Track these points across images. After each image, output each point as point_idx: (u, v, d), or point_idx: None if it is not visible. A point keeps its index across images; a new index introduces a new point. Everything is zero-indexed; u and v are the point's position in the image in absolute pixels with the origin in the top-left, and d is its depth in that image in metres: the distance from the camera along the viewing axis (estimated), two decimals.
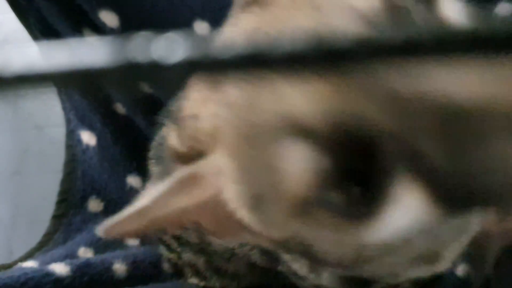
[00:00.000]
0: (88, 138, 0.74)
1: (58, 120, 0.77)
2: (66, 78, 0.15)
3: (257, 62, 0.15)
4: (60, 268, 0.54)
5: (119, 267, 0.60)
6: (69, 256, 0.62)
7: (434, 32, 0.14)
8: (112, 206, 0.73)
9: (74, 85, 0.20)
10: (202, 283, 0.59)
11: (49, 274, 0.53)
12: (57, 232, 0.68)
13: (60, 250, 0.63)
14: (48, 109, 0.86)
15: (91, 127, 0.73)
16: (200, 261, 0.56)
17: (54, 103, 0.76)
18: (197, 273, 0.59)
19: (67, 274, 0.54)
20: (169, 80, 0.15)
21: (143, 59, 0.14)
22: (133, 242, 0.70)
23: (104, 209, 0.72)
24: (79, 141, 0.74)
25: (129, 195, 0.71)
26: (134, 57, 0.14)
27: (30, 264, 0.57)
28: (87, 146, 0.74)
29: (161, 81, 0.15)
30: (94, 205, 0.73)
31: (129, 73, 0.14)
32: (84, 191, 0.73)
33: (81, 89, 0.69)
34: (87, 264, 0.57)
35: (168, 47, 0.14)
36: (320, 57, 0.15)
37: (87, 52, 0.14)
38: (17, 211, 0.88)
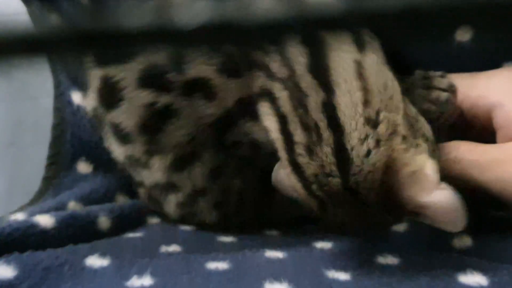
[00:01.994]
0: (79, 98, 0.75)
1: (53, 91, 0.77)
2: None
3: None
4: (45, 220, 0.55)
5: (104, 220, 0.61)
6: (58, 209, 0.63)
7: None
8: (102, 167, 0.74)
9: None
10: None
11: (34, 226, 0.54)
12: (48, 191, 0.70)
13: (50, 203, 0.64)
14: (42, 80, 0.86)
15: (82, 87, 0.74)
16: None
17: (48, 73, 0.77)
18: None
19: (52, 226, 0.56)
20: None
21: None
22: (123, 198, 0.71)
23: (93, 170, 0.74)
24: (70, 102, 0.74)
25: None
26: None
27: (18, 216, 0.58)
28: (78, 107, 0.74)
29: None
30: (84, 167, 0.74)
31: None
32: (74, 154, 0.74)
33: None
34: (72, 216, 0.58)
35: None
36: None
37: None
38: (13, 183, 0.89)
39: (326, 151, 0.44)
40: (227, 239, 0.61)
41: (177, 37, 0.16)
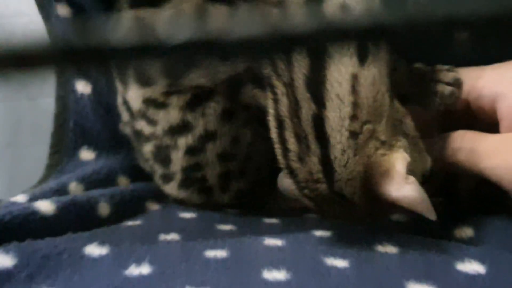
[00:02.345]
0: (83, 87, 0.75)
1: (51, 91, 0.77)
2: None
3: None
4: (45, 206, 0.56)
5: (104, 206, 0.62)
6: (60, 190, 0.63)
7: None
8: (104, 154, 0.74)
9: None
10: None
11: (34, 213, 0.54)
12: (50, 177, 0.70)
13: (51, 185, 0.64)
14: (40, 80, 0.86)
15: (86, 76, 0.75)
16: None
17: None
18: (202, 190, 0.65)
19: (52, 212, 0.56)
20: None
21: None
22: (124, 180, 0.72)
23: (96, 157, 0.74)
24: (73, 91, 0.75)
25: (120, 143, 0.73)
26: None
27: (20, 198, 0.59)
28: (82, 95, 0.75)
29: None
30: (86, 154, 0.74)
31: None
32: (76, 142, 0.74)
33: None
34: (73, 202, 0.58)
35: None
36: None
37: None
38: (11, 183, 0.90)
39: (314, 160, 0.49)
40: (226, 227, 0.61)
41: (161, 51, 0.17)
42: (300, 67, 0.49)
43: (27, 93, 0.92)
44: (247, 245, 0.51)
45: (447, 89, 0.56)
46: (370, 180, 0.47)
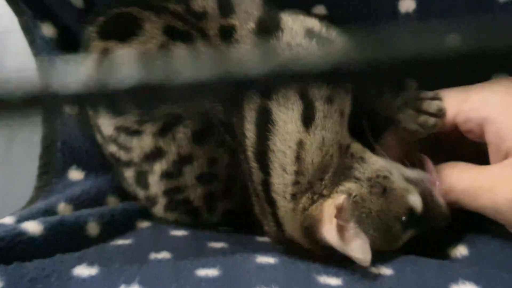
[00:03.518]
0: (70, 107, 0.74)
1: None
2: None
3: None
4: (33, 227, 0.55)
5: (93, 226, 0.61)
6: (49, 211, 0.62)
7: None
8: (93, 174, 0.73)
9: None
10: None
11: (22, 234, 0.53)
12: (39, 198, 0.69)
13: (39, 205, 0.63)
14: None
15: None
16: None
17: None
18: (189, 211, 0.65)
19: (40, 233, 0.55)
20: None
21: None
22: (114, 200, 0.71)
23: (85, 177, 0.73)
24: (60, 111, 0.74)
25: (109, 161, 0.72)
26: None
27: (8, 220, 0.57)
28: (69, 116, 0.74)
29: None
30: (75, 174, 0.73)
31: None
32: (65, 163, 0.73)
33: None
34: (61, 222, 0.57)
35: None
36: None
37: None
38: (5, 202, 0.88)
39: (268, 217, 0.55)
40: (218, 244, 0.60)
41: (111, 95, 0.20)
42: (250, 138, 0.53)
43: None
44: (239, 263, 0.50)
45: (431, 120, 0.57)
46: (311, 229, 0.51)
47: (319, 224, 0.49)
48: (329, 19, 0.59)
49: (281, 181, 0.52)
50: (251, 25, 0.54)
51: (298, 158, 0.51)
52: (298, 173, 0.51)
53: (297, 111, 0.52)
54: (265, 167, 0.53)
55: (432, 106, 0.57)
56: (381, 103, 0.61)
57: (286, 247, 0.55)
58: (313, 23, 0.56)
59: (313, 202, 0.51)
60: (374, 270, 0.49)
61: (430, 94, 0.59)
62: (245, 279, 0.47)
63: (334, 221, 0.48)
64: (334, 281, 0.47)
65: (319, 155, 0.51)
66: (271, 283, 0.45)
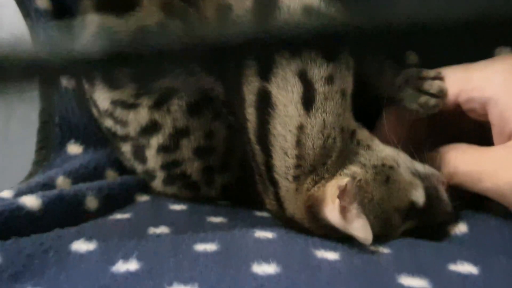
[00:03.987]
0: (67, 81, 0.73)
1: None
2: None
3: None
4: (31, 201, 0.54)
5: (92, 200, 0.61)
6: (47, 185, 0.62)
7: None
8: (92, 148, 0.73)
9: None
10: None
11: (20, 208, 0.53)
12: (37, 173, 0.69)
13: (38, 179, 0.63)
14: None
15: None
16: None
17: None
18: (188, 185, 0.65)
19: (38, 208, 0.55)
20: None
21: None
22: (112, 174, 0.71)
23: (83, 151, 0.73)
24: (57, 85, 0.73)
25: (106, 135, 0.72)
26: None
27: (6, 194, 0.57)
28: (66, 90, 0.73)
29: None
30: (74, 148, 0.73)
31: None
32: (63, 137, 0.73)
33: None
34: (59, 197, 0.57)
35: None
36: None
37: None
38: (3, 177, 0.87)
39: (270, 196, 0.55)
40: (217, 219, 0.60)
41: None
42: (251, 121, 0.54)
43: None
44: (238, 238, 0.50)
45: (432, 101, 0.57)
46: (314, 209, 0.51)
47: (322, 204, 0.49)
48: None
49: (283, 164, 0.52)
50: (248, 4, 0.53)
51: (299, 142, 0.51)
52: (299, 157, 0.51)
53: (297, 93, 0.51)
54: (266, 150, 0.53)
55: (434, 86, 0.57)
56: (382, 81, 0.61)
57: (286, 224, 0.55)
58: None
59: (316, 183, 0.51)
60: (372, 248, 0.49)
61: (431, 73, 0.58)
62: (243, 254, 0.47)
63: (337, 201, 0.48)
64: (331, 255, 0.47)
65: (320, 139, 0.51)
66: (269, 257, 0.45)
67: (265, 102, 0.52)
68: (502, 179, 0.50)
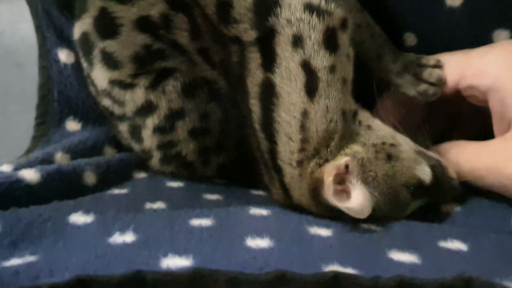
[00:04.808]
0: (65, 56, 0.73)
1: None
2: None
3: None
4: (30, 175, 0.55)
5: (90, 175, 0.61)
6: (46, 160, 0.62)
7: None
8: (90, 124, 0.73)
9: None
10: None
11: (19, 181, 0.54)
12: (36, 148, 0.69)
13: (37, 154, 0.63)
14: (28, 47, 0.84)
15: (69, 45, 0.73)
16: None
17: (34, 40, 0.76)
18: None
19: (37, 181, 0.55)
20: None
21: None
22: (111, 150, 0.71)
23: (82, 127, 0.73)
24: (56, 60, 0.73)
25: (103, 113, 0.72)
26: None
27: (5, 168, 0.58)
28: (65, 65, 0.73)
29: None
30: (72, 125, 0.73)
31: None
32: (61, 113, 0.73)
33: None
34: (58, 171, 0.58)
35: None
36: None
37: None
38: (2, 152, 0.88)
39: (276, 184, 0.56)
40: (213, 196, 0.61)
41: None
42: (255, 112, 0.55)
43: (14, 60, 0.90)
44: (232, 214, 0.51)
45: (431, 89, 0.58)
46: (317, 192, 0.52)
47: (322, 185, 0.50)
48: None
49: (287, 148, 0.53)
50: (249, 1, 0.53)
51: (303, 127, 0.52)
52: (303, 140, 0.53)
53: (300, 82, 0.52)
54: (271, 137, 0.54)
55: (433, 75, 0.58)
56: (381, 66, 0.61)
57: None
58: None
59: (319, 167, 0.52)
60: (364, 226, 0.50)
61: (431, 61, 0.58)
62: (237, 229, 0.47)
63: (329, 179, 0.49)
64: (324, 231, 0.48)
65: (323, 123, 0.52)
66: (262, 232, 0.46)
67: (269, 92, 0.53)
68: (503, 173, 0.50)
